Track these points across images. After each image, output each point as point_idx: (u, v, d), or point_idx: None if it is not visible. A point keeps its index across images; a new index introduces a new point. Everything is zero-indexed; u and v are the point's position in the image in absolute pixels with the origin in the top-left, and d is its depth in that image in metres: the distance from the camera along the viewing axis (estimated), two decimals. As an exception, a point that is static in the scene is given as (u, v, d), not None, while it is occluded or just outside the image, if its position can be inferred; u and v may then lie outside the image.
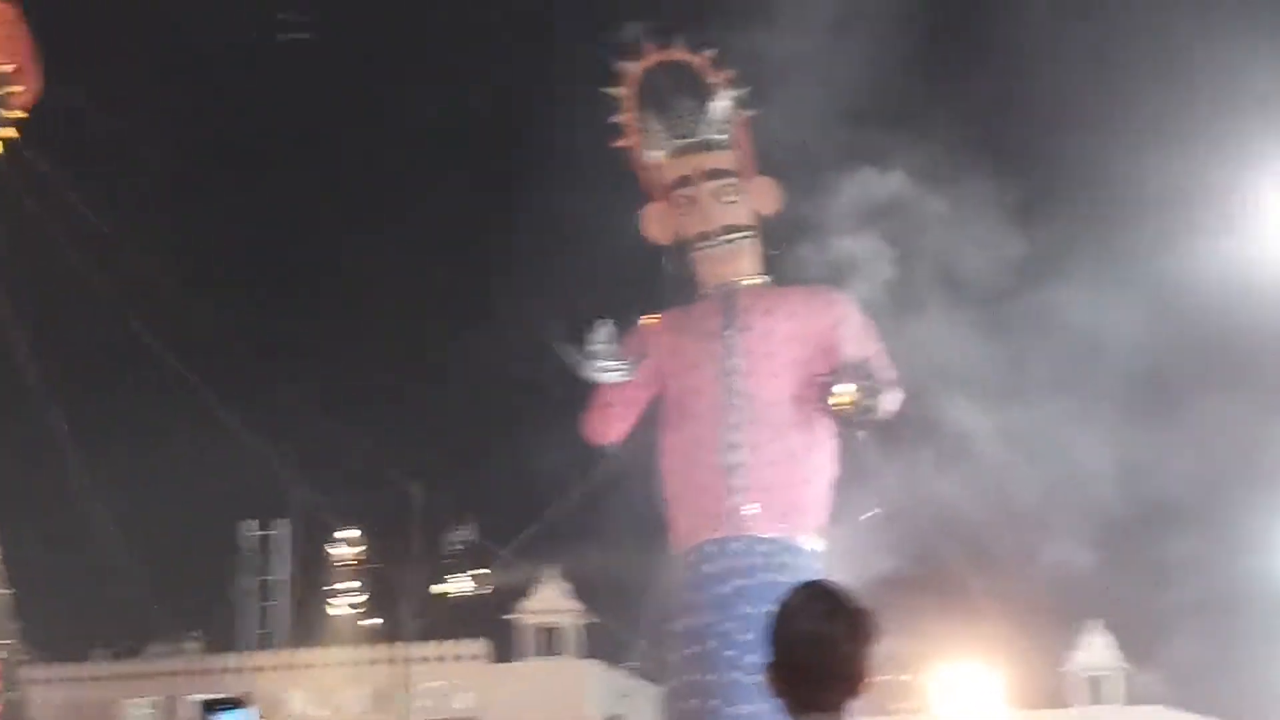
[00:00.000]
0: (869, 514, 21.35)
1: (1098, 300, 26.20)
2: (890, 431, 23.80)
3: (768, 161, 24.59)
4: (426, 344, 31.91)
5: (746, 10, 24.58)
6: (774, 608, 4.75)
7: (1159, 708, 31.71)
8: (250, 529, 36.52)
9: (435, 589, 31.57)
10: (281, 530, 35.84)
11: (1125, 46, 27.81)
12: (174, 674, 33.38)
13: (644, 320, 24.62)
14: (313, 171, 35.29)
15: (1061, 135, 26.24)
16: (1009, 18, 28.73)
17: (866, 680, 4.68)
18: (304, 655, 33.38)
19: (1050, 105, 26.65)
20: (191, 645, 34.75)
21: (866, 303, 24.13)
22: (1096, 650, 31.00)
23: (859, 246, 24.05)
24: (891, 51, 26.26)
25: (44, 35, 25.09)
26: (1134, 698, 31.45)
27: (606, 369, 23.68)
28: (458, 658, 31.73)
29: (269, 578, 37.19)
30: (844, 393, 22.82)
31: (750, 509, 23.37)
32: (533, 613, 30.98)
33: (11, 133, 24.95)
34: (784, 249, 24.46)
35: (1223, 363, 26.87)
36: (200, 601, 36.68)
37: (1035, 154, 25.36)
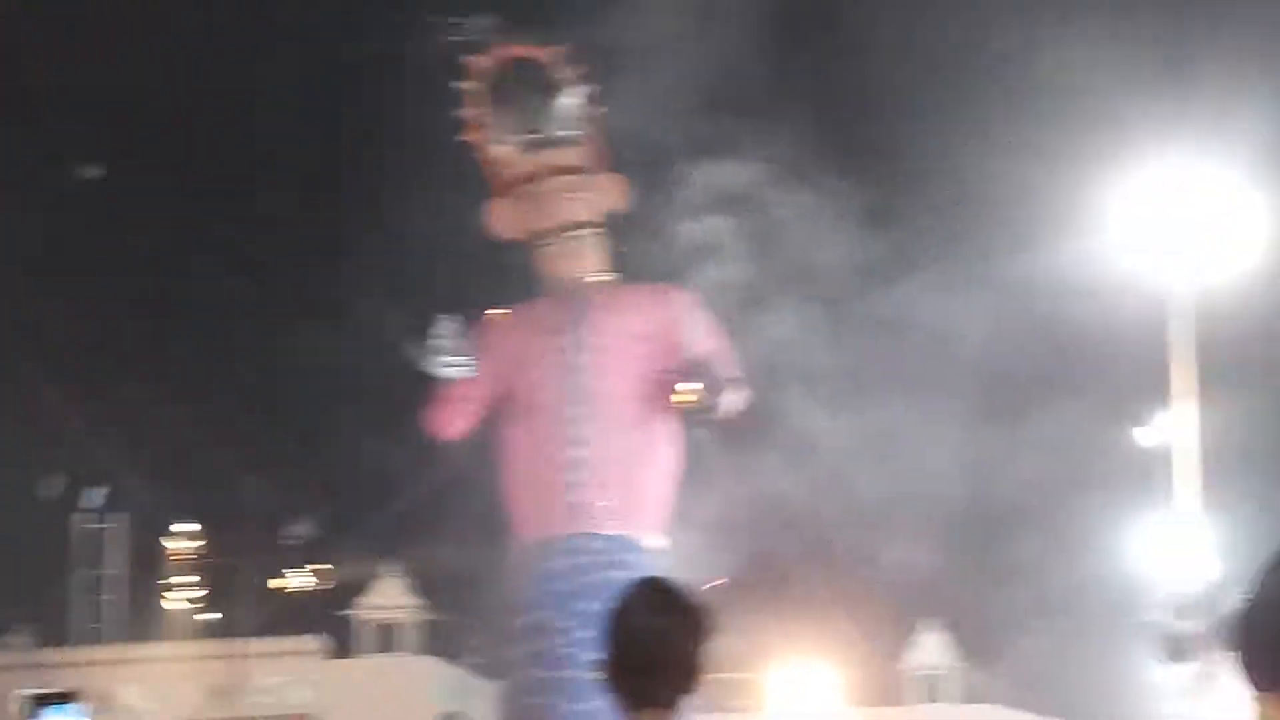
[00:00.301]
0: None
1: (948, 301, 26.44)
2: (734, 430, 23.86)
3: (616, 157, 24.57)
4: (266, 337, 31.66)
5: (596, 4, 24.54)
6: (610, 603, 4.70)
7: (993, 706, 32.04)
8: (85, 522, 36.06)
9: (273, 584, 31.29)
10: (117, 524, 35.40)
11: (980, 50, 28.06)
12: (2, 668, 32.87)
13: (488, 315, 24.54)
14: (149, 164, 34.89)
15: (917, 135, 26.47)
16: (866, 14, 28.90)
17: (702, 676, 4.64)
18: (138, 650, 33.00)
19: (905, 105, 26.87)
20: (20, 639, 34.26)
21: (713, 300, 24.18)
22: (932, 649, 31.26)
23: (707, 242, 24.09)
24: (745, 46, 26.32)
25: None
26: (972, 697, 31.74)
27: (450, 364, 23.56)
28: (294, 653, 31.50)
29: (103, 571, 36.73)
30: (687, 390, 22.86)
31: (598, 502, 23.37)
32: (371, 608, 30.84)
33: None
34: (631, 246, 24.46)
35: (1069, 367, 27.25)
36: (31, 595, 36.18)
37: (889, 153, 25.55)
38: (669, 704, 4.51)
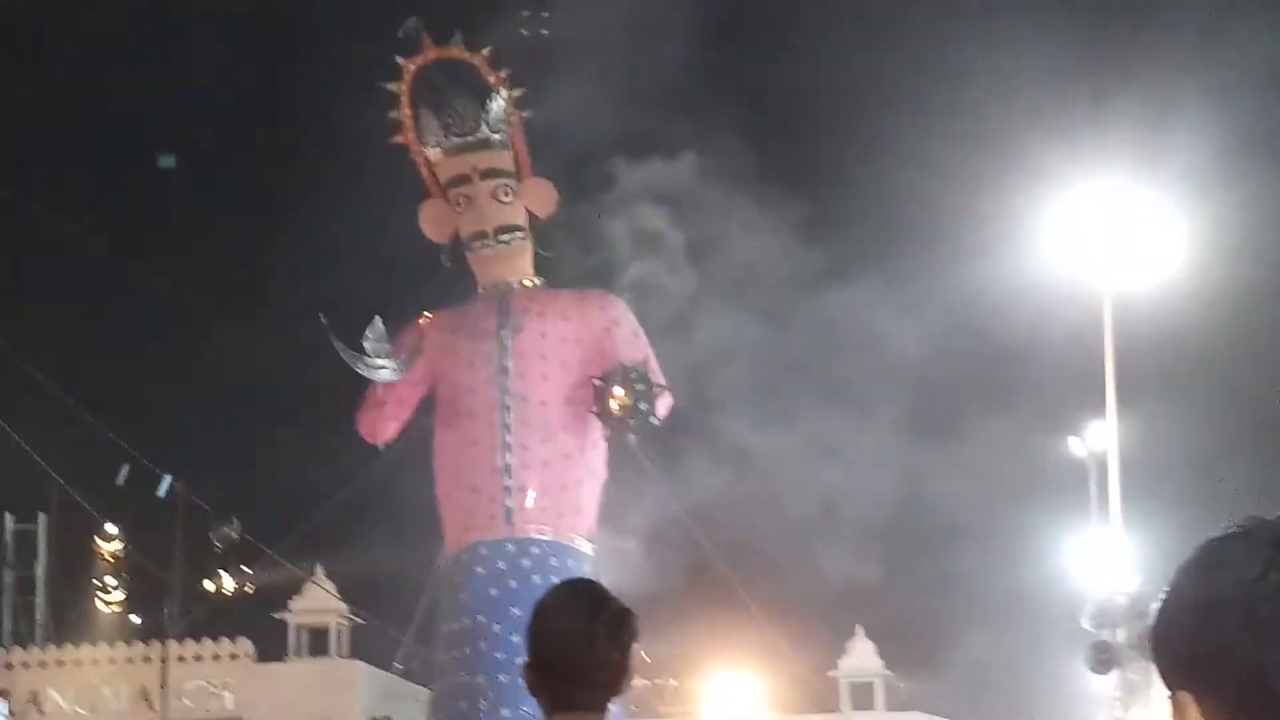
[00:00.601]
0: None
1: (881, 313, 26.49)
2: (665, 436, 23.86)
3: (544, 160, 24.56)
4: (196, 340, 31.44)
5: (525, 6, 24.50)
6: (534, 607, 4.66)
7: (923, 714, 32.13)
8: (8, 523, 35.73)
9: (199, 587, 31.11)
10: (40, 525, 35.10)
11: (912, 66, 28.13)
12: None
13: (419, 318, 24.47)
14: (67, 168, 34.66)
15: (854, 148, 26.51)
16: (803, 27, 28.94)
17: (627, 680, 4.60)
18: (62, 652, 32.71)
19: (839, 118, 26.91)
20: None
21: (644, 307, 24.20)
22: (863, 656, 31.32)
23: (639, 249, 24.10)
24: (678, 50, 26.34)
25: None
26: (902, 705, 31.81)
27: (378, 366, 23.50)
28: (220, 657, 31.26)
29: (26, 573, 36.41)
30: (617, 396, 22.87)
31: (528, 502, 23.34)
32: (299, 612, 30.63)
33: None
34: (558, 250, 24.44)
35: (1004, 380, 27.33)
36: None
37: (826, 165, 25.59)
38: (595, 707, 4.47)
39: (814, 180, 25.40)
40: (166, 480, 27.19)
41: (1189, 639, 2.54)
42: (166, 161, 32.64)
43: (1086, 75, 27.49)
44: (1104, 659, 25.69)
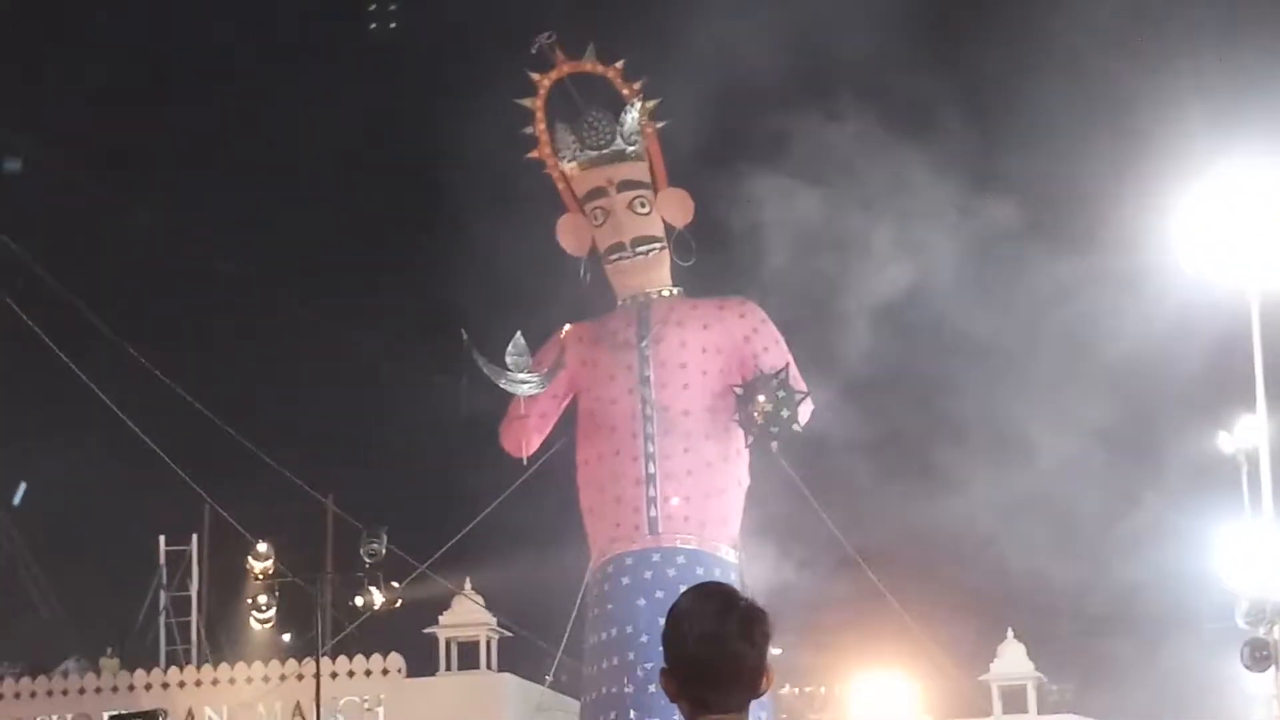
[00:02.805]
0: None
1: (1028, 310, 26.25)
2: (804, 441, 23.81)
3: (679, 172, 24.62)
4: (339, 355, 31.69)
5: (663, 23, 24.57)
6: (668, 615, 4.69)
7: (1072, 717, 31.87)
8: (162, 545, 36.21)
9: (350, 603, 31.35)
10: (193, 546, 35.56)
11: (1056, 62, 27.84)
12: (85, 691, 33.03)
13: (560, 332, 24.59)
14: (215, 183, 35.06)
15: (995, 149, 26.28)
16: (938, 27, 28.75)
17: (764, 680, 4.62)
18: (217, 671, 33.11)
19: (982, 118, 26.70)
20: (106, 661, 34.46)
21: (783, 313, 24.18)
22: (1014, 660, 31.07)
23: (776, 255, 24.04)
24: (810, 61, 26.28)
25: None
26: (1055, 708, 31.63)
27: (520, 381, 23.64)
28: (372, 672, 31.51)
29: (181, 593, 36.90)
30: (759, 404, 22.87)
31: (674, 516, 23.37)
32: (448, 626, 30.79)
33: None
34: (696, 259, 24.46)
35: (1151, 374, 26.99)
36: (112, 618, 36.34)
37: (968, 163, 25.38)
38: (733, 708, 4.49)
39: (954, 176, 25.16)
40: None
41: None
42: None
43: (1232, 57, 27.05)
44: (1260, 656, 25.38)
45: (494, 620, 30.57)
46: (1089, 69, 28.25)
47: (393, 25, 29.97)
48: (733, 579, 22.85)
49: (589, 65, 24.62)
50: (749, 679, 4.53)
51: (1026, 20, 28.45)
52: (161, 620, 36.50)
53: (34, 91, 33.22)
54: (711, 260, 24.55)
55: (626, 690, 23.18)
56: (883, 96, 26.11)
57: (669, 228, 24.52)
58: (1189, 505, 29.22)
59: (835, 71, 26.21)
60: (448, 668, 30.94)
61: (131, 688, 32.07)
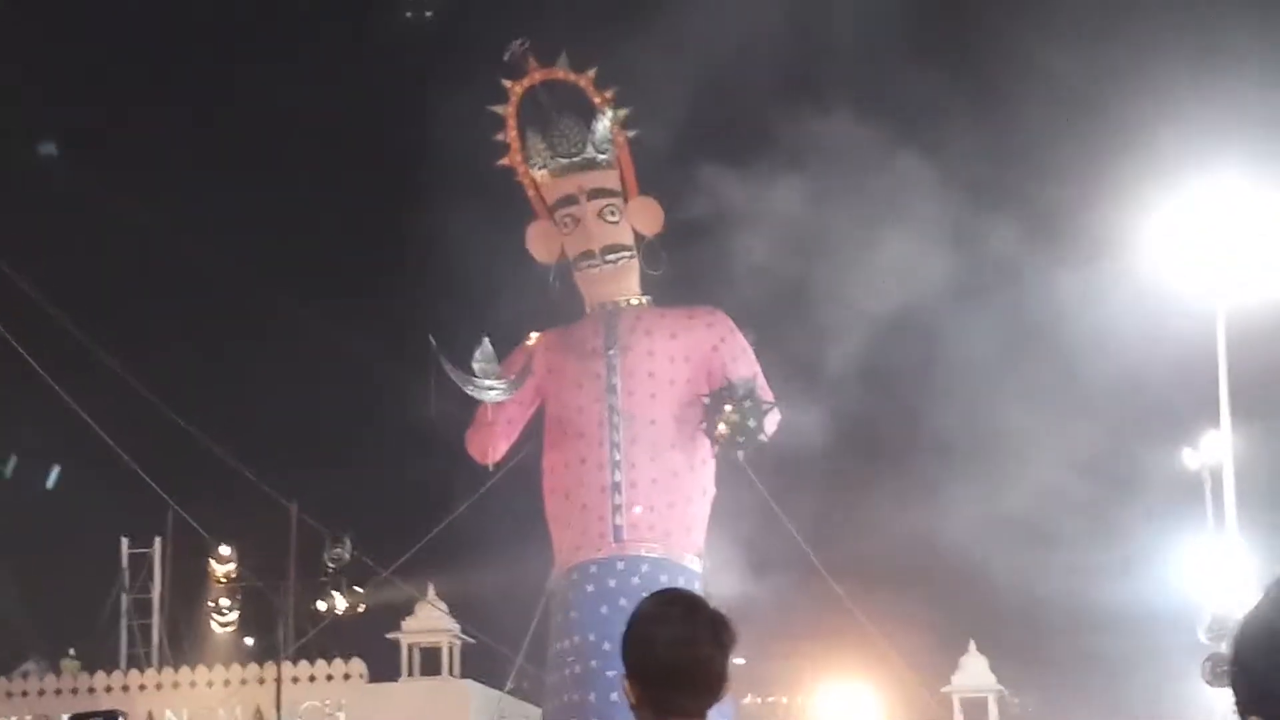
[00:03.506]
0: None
1: (996, 319, 26.29)
2: (769, 450, 23.78)
3: (649, 180, 24.60)
4: (303, 360, 31.64)
5: (635, 26, 24.54)
6: (630, 619, 4.67)
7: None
8: (124, 547, 36.10)
9: (312, 607, 31.30)
10: (155, 548, 35.45)
11: (1028, 67, 27.89)
12: (45, 693, 32.91)
13: (527, 338, 24.57)
14: (188, 182, 34.97)
15: (963, 156, 26.28)
16: (908, 33, 28.75)
17: (725, 684, 4.62)
18: (178, 674, 33.00)
19: (955, 124, 26.70)
20: (67, 663, 34.35)
21: (748, 321, 24.15)
22: (977, 672, 31.14)
23: (741, 263, 24.05)
24: (779, 65, 26.30)
25: None
26: (1015, 720, 31.80)
27: (487, 387, 23.60)
28: (334, 677, 31.43)
29: (143, 595, 36.76)
30: (725, 414, 22.86)
31: (639, 524, 23.35)
32: (411, 632, 30.75)
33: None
34: (664, 268, 24.44)
35: (1116, 388, 27.04)
36: (73, 619, 36.22)
37: (931, 166, 25.36)
38: (697, 713, 4.49)
39: (919, 181, 25.17)
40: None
41: (1265, 672, 2.50)
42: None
43: (1200, 70, 27.09)
44: (1220, 672, 25.42)
45: (457, 627, 30.53)
46: (1062, 80, 28.30)
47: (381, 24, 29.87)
48: (696, 587, 22.83)
49: (561, 73, 24.61)
50: (715, 683, 4.53)
51: (1000, 31, 28.49)
52: (123, 623, 36.41)
53: (28, 87, 33.16)
54: (682, 268, 24.56)
55: (589, 698, 23.17)
56: (860, 102, 26.15)
57: (639, 236, 24.53)
58: (1154, 520, 29.34)
59: (812, 76, 26.27)
60: (410, 673, 30.91)
61: (92, 690, 31.97)
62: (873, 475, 27.44)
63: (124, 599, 36.89)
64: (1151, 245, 25.84)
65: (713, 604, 4.62)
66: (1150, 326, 25.99)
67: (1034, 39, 27.61)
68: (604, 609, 23.14)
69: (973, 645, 30.80)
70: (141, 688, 32.72)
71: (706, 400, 23.17)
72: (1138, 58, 27.75)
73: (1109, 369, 26.46)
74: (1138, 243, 25.97)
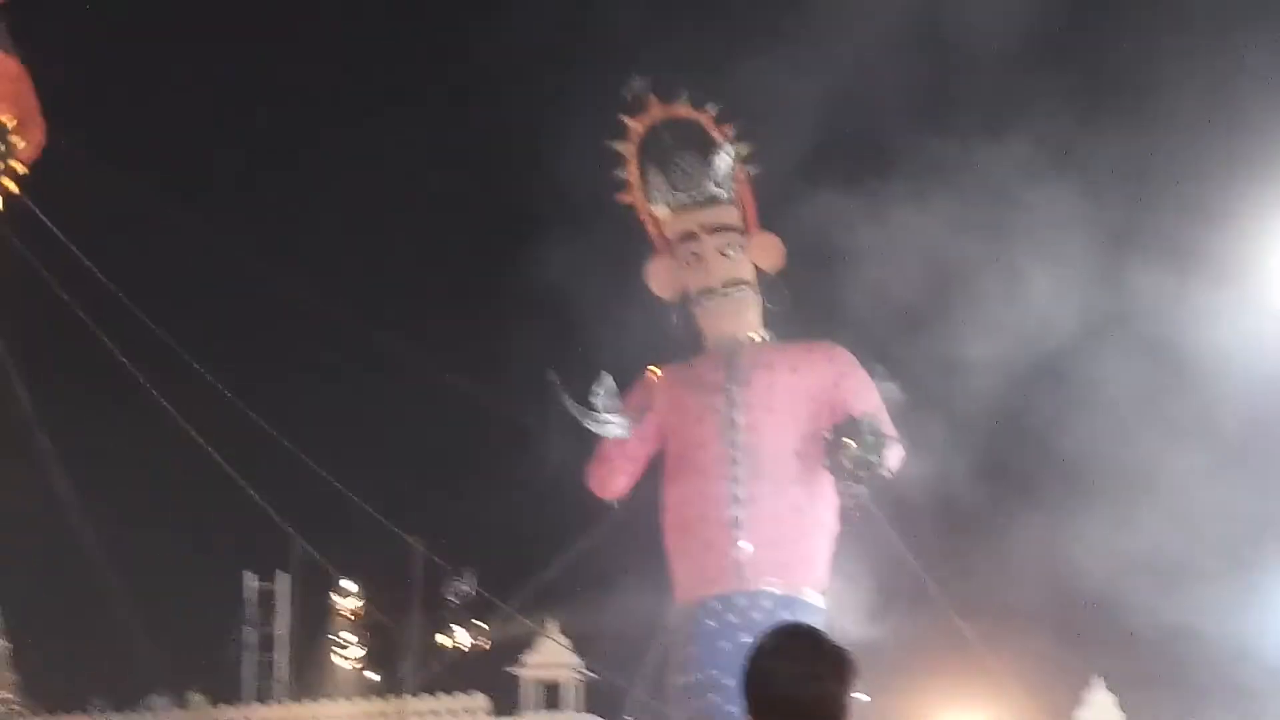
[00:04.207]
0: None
1: (1117, 357, 26.10)
2: (893, 485, 23.70)
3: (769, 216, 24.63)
4: (426, 396, 31.86)
5: (754, 64, 24.58)
6: (750, 654, 4.69)
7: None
8: (249, 581, 36.46)
9: (434, 642, 31.49)
10: (282, 583, 35.78)
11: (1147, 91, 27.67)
12: (177, 726, 33.32)
13: (649, 373, 24.61)
14: (314, 222, 35.30)
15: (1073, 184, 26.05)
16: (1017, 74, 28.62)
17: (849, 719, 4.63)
18: (304, 708, 33.28)
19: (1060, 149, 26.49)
20: (194, 697, 34.70)
21: (872, 355, 24.09)
22: (1102, 708, 30.88)
23: (867, 296, 24.01)
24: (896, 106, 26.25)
25: (50, 89, 25.14)
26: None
27: (608, 422, 23.65)
28: (456, 711, 31.59)
29: (269, 630, 37.11)
30: (848, 448, 22.80)
31: (761, 560, 23.30)
32: (533, 666, 30.87)
33: (13, 187, 24.99)
34: (785, 304, 24.44)
35: (1226, 415, 26.74)
36: (201, 653, 36.60)
37: (1032, 205, 25.22)
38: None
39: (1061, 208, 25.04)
40: None
41: None
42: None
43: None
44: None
45: (578, 661, 30.58)
46: (1208, 95, 28.00)
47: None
48: (819, 623, 22.75)
49: (681, 110, 24.68)
50: (836, 717, 4.53)
51: (1139, 53, 28.24)
52: (248, 657, 36.74)
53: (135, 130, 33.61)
54: (805, 305, 24.54)
55: (711, 733, 23.14)
56: (988, 131, 26.03)
57: (759, 272, 24.56)
58: (1275, 556, 28.97)
59: (941, 102, 26.20)
60: (531, 708, 30.99)
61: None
62: (1002, 511, 27.27)
63: (250, 633, 37.24)
64: (1266, 272, 25.59)
65: (834, 639, 4.63)
66: (1260, 348, 25.74)
67: (1174, 57, 27.36)
68: (725, 644, 23.09)
69: (1098, 681, 30.51)
70: (268, 721, 33.03)
71: (828, 435, 23.11)
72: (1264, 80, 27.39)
73: (1249, 404, 26.20)
74: (1266, 275, 25.72)
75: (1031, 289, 24.95)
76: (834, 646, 4.58)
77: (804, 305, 24.55)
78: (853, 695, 4.56)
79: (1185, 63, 27.14)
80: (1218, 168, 26.96)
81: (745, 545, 23.37)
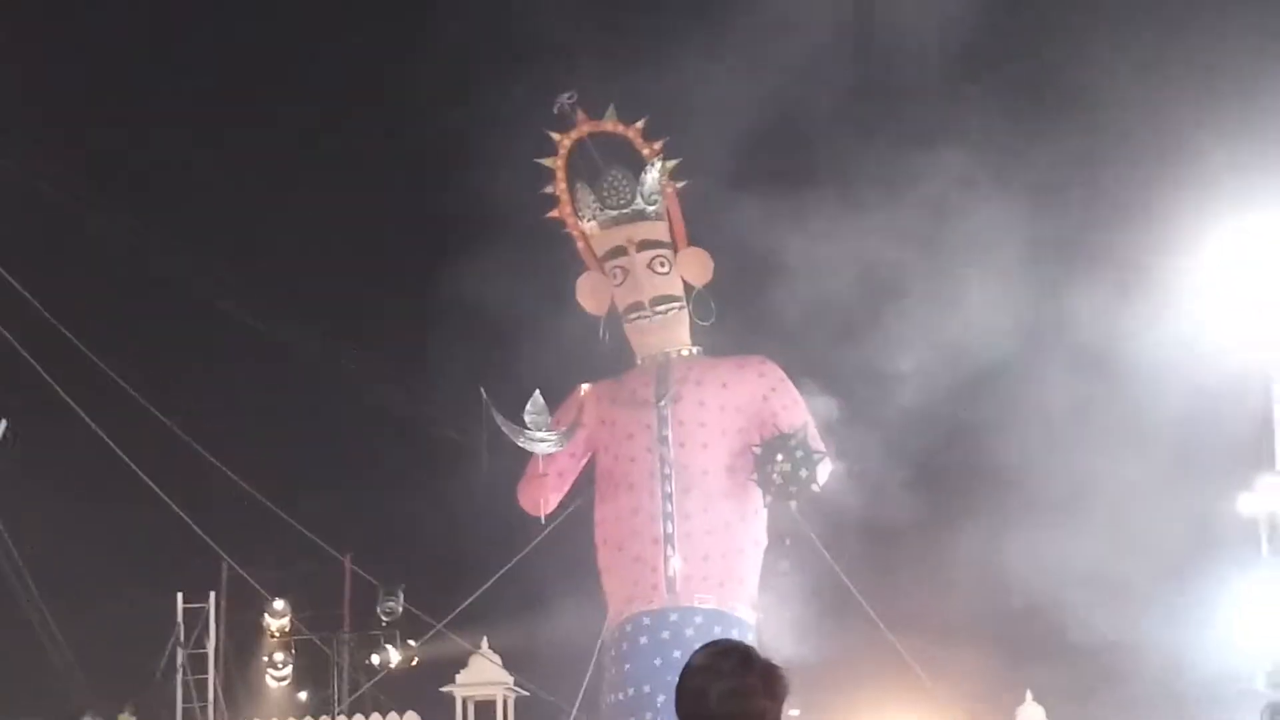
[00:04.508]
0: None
1: (1049, 365, 26.18)
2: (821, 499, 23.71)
3: (699, 228, 24.63)
4: (355, 413, 31.75)
5: (680, 78, 24.57)
6: (683, 672, 4.66)
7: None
8: (179, 602, 36.21)
9: (367, 661, 31.33)
10: (210, 603, 35.55)
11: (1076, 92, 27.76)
12: (106, 748, 33.05)
13: (578, 390, 24.57)
14: (237, 230, 35.12)
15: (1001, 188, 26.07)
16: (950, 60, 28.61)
17: None
18: (237, 729, 33.07)
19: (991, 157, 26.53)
20: (124, 718, 34.46)
21: (802, 369, 24.11)
22: (1033, 720, 30.93)
23: (795, 309, 23.98)
24: (818, 119, 26.23)
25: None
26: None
27: (539, 439, 23.62)
28: (392, 730, 31.44)
29: (198, 650, 36.86)
30: (777, 464, 22.83)
31: (692, 576, 23.27)
32: (465, 685, 30.70)
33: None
34: (714, 319, 24.44)
35: (1167, 433, 26.82)
36: (128, 674, 36.31)
37: (956, 218, 25.25)
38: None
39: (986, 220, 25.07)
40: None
41: None
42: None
43: (1252, 103, 26.81)
44: (1277, 720, 25.31)
45: (511, 679, 30.48)
46: (1133, 106, 28.07)
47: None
48: (750, 638, 22.74)
49: (609, 125, 24.69)
50: None
51: (1061, 65, 28.33)
52: (179, 678, 36.49)
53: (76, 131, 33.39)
54: (733, 318, 24.54)
55: (645, 750, 23.13)
56: (913, 138, 26.05)
57: (688, 287, 24.55)
58: (1210, 566, 29.10)
59: (867, 112, 26.23)
60: (465, 727, 30.90)
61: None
62: (929, 524, 27.30)
63: (180, 654, 36.99)
64: (1208, 287, 25.71)
65: (765, 655, 4.61)
66: (1209, 370, 25.84)
67: (1100, 70, 27.45)
68: (657, 661, 23.09)
69: (1029, 695, 30.60)
70: (199, 743, 32.77)
71: (758, 450, 23.14)
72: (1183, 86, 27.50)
73: (1168, 413, 26.29)
74: (1195, 284, 25.83)
75: (965, 300, 25.00)
76: (765, 663, 4.56)
77: (734, 318, 24.56)
78: (784, 712, 4.55)
79: (1118, 74, 27.25)
80: (1152, 178, 27.05)
81: (690, 559, 23.39)
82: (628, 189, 24.35)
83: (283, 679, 34.87)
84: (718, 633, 22.79)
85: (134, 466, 25.92)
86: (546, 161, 24.62)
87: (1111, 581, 27.37)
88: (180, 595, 36.52)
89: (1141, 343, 25.83)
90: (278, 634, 34.00)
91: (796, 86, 24.88)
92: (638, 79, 24.73)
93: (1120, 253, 27.09)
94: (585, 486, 24.61)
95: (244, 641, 35.69)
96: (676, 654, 22.64)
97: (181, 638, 36.45)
